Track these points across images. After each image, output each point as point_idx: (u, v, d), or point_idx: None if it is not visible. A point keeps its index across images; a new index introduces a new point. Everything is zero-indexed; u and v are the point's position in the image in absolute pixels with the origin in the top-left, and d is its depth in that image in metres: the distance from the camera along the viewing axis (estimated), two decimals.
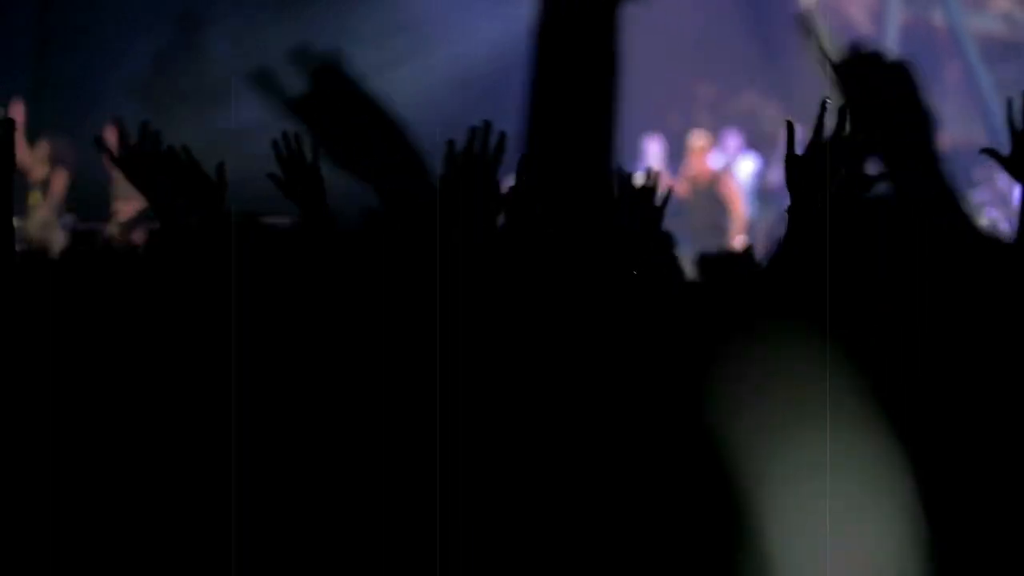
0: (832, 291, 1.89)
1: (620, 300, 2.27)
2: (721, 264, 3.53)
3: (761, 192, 14.85)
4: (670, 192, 3.57)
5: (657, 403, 1.97)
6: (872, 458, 1.69)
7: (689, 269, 3.61)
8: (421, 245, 2.09)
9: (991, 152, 3.04)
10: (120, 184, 13.35)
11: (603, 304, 2.21)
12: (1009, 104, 3.33)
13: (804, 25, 3.07)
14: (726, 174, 14.39)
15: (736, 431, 1.78)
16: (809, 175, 2.84)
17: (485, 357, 1.96)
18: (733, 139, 14.98)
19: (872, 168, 2.91)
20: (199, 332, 2.00)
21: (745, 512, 1.73)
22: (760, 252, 3.69)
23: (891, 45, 16.24)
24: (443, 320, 1.94)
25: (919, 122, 2.96)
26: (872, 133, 2.93)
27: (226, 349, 1.95)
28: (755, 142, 15.21)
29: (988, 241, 2.26)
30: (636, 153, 14.67)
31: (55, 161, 13.11)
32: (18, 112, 13.13)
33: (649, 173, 3.47)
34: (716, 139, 14.84)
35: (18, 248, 3.00)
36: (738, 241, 13.51)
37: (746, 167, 14.86)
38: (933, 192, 2.74)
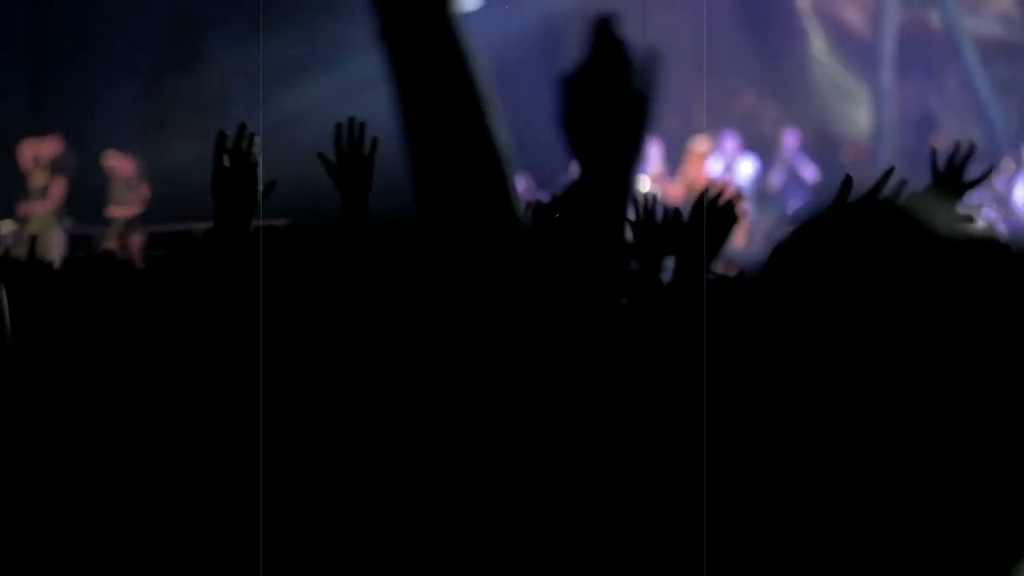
0: (828, 294, 1.90)
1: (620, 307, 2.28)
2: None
3: (759, 194, 14.86)
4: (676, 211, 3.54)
5: (665, 405, 1.97)
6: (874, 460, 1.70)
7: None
8: (440, 245, 2.10)
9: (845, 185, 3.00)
10: (115, 189, 13.39)
11: (602, 308, 2.22)
12: (933, 152, 3.34)
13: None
14: (724, 179, 14.41)
15: (737, 432, 1.78)
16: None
17: (500, 359, 1.96)
18: (731, 141, 14.99)
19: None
20: (220, 333, 2.00)
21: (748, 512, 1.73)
22: (758, 253, 3.72)
23: (888, 46, 16.26)
24: (462, 323, 1.95)
25: None
26: None
27: (245, 346, 1.96)
28: (753, 144, 15.23)
29: (985, 242, 2.26)
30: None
31: (55, 168, 13.14)
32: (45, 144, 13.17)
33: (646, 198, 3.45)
34: (715, 143, 14.87)
35: (19, 251, 3.00)
36: (738, 241, 13.53)
37: (744, 169, 14.88)
38: None
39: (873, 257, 1.91)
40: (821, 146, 15.78)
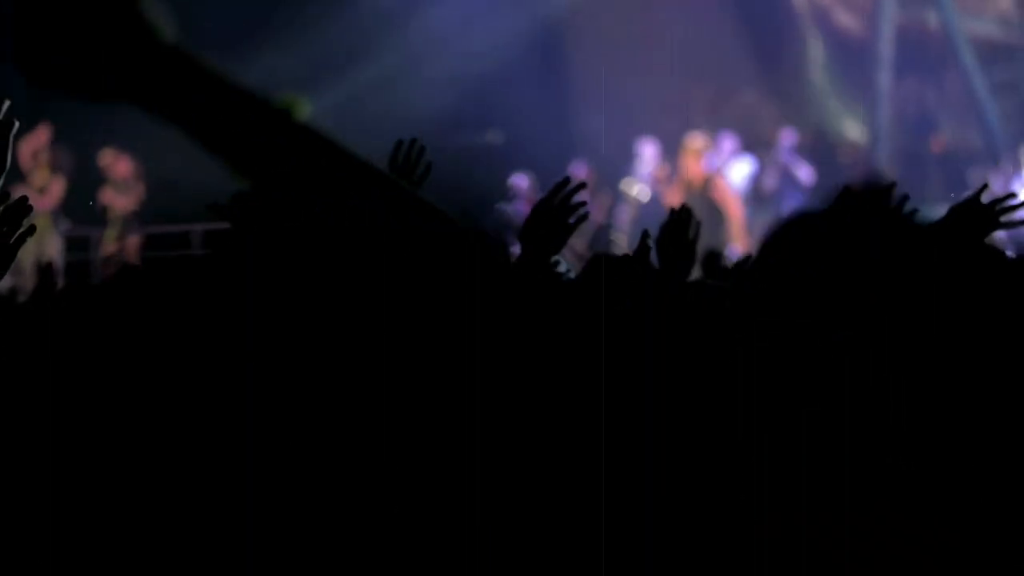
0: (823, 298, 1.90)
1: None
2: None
3: (756, 195, 14.85)
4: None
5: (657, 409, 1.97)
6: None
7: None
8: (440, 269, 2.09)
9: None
10: (112, 190, 13.38)
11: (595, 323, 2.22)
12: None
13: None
14: (718, 177, 14.40)
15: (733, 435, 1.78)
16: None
17: (500, 376, 1.96)
18: (729, 142, 14.98)
19: None
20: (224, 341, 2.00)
21: (745, 513, 1.73)
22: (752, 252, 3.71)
23: (885, 47, 16.26)
24: (462, 340, 1.94)
25: None
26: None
27: (248, 356, 1.96)
28: (751, 144, 15.22)
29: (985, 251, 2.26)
30: (631, 156, 14.68)
31: (54, 168, 13.13)
32: (43, 134, 13.15)
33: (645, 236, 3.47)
34: (712, 142, 14.85)
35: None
36: (737, 243, 13.52)
37: (740, 170, 14.86)
38: None
39: (866, 255, 1.90)
40: (818, 147, 15.77)
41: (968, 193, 3.20)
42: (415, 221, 2.33)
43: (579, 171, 14.17)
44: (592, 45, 15.45)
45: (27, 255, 11.38)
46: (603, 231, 13.76)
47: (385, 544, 1.87)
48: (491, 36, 14.70)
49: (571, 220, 3.20)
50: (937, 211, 3.15)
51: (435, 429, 1.90)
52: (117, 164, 13.22)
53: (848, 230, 1.91)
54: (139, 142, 13.45)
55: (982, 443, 1.75)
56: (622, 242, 13.34)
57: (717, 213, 13.97)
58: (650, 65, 15.49)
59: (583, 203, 3.23)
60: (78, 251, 12.93)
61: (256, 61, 13.53)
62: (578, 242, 13.01)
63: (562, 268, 3.39)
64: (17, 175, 13.16)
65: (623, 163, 14.65)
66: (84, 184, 13.27)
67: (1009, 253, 2.18)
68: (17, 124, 2.78)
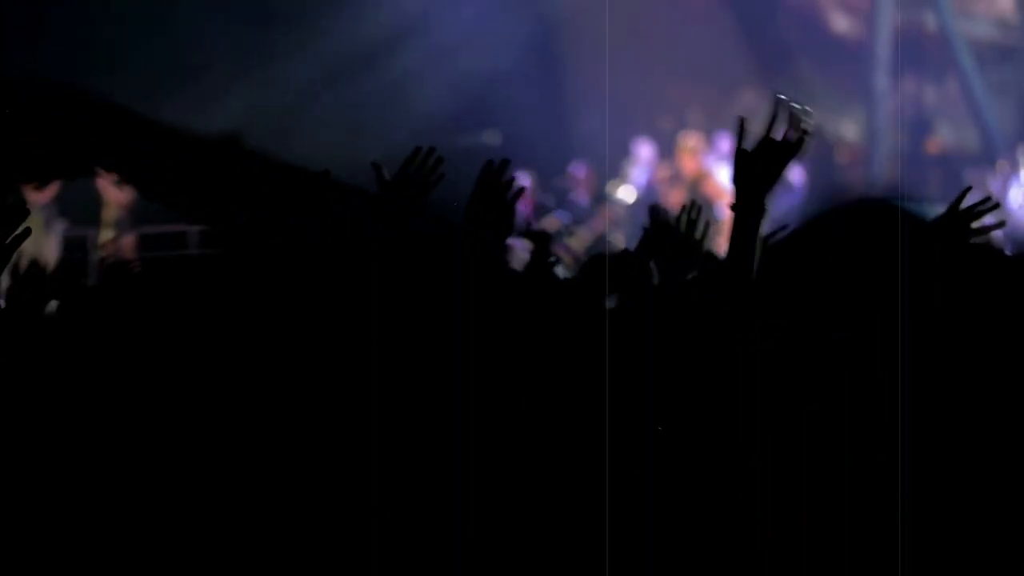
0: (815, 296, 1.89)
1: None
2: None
3: None
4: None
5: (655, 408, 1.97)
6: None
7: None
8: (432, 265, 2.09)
9: None
10: (108, 190, 13.38)
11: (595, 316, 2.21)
12: None
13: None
14: (710, 174, 14.39)
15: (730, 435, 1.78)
16: (755, 171, 2.86)
17: (493, 369, 1.95)
18: (726, 142, 14.99)
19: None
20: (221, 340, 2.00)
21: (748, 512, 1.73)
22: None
23: (883, 49, 16.26)
24: (453, 336, 1.94)
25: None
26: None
27: (239, 358, 1.95)
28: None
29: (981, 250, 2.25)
30: (628, 156, 14.67)
31: None
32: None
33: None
34: (710, 141, 14.85)
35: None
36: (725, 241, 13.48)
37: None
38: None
39: (869, 258, 1.90)
40: (815, 148, 15.77)
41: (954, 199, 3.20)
42: (406, 226, 2.34)
43: (578, 171, 14.17)
44: (592, 45, 15.45)
45: (25, 255, 11.36)
46: (603, 238, 13.76)
47: (380, 543, 1.87)
48: (491, 36, 14.70)
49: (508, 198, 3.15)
50: (934, 212, 3.14)
51: (429, 428, 1.90)
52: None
53: (863, 237, 1.90)
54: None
55: (982, 443, 1.75)
56: (618, 243, 13.35)
57: (707, 211, 13.94)
58: (649, 65, 15.49)
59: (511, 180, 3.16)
60: (76, 252, 12.91)
61: (259, 67, 13.54)
62: (578, 245, 13.02)
63: (559, 272, 3.39)
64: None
65: (622, 164, 14.66)
66: (82, 185, 13.26)
67: (1008, 251, 2.18)
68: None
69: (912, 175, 14.76)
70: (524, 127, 14.31)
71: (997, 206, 3.24)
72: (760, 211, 2.82)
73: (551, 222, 13.26)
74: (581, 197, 14.10)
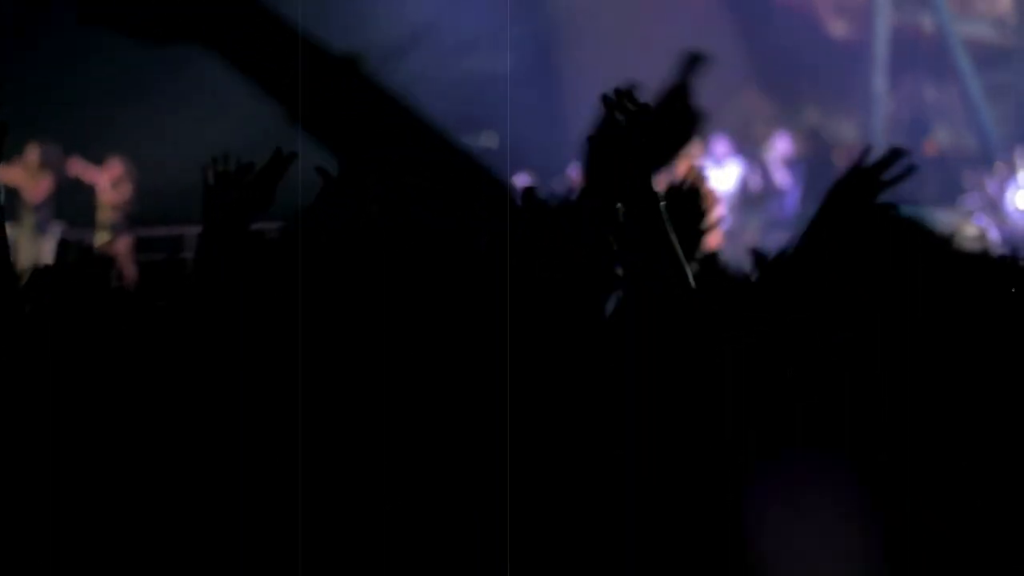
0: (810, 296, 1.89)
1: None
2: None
3: (744, 198, 14.86)
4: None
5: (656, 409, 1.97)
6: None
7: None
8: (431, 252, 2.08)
9: None
10: (104, 191, 13.38)
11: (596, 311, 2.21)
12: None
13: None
14: (699, 176, 14.35)
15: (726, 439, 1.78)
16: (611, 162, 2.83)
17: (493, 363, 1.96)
18: (721, 145, 15.00)
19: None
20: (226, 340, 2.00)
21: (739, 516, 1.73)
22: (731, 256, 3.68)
23: (880, 50, 16.27)
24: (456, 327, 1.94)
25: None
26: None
27: (240, 356, 1.96)
28: (747, 146, 15.23)
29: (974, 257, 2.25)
30: None
31: (43, 168, 13.12)
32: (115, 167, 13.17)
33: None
34: (704, 144, 14.85)
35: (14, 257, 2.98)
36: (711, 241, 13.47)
37: (731, 172, 14.88)
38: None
39: (871, 263, 1.90)
40: (813, 150, 15.78)
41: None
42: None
43: (577, 173, 14.16)
44: (592, 46, 15.46)
45: (23, 258, 11.37)
46: None
47: (381, 541, 1.87)
48: (491, 38, 14.71)
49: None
50: (932, 214, 3.13)
51: (429, 427, 1.90)
52: (109, 165, 13.23)
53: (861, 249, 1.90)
54: (133, 144, 13.46)
55: (982, 443, 1.75)
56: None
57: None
58: (649, 66, 15.49)
59: None
60: (72, 254, 12.89)
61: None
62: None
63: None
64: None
65: None
66: (79, 187, 13.26)
67: (1003, 253, 2.18)
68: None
69: (909, 176, 14.75)
70: (524, 128, 14.32)
71: (902, 154, 3.18)
72: (646, 199, 2.76)
73: None
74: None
